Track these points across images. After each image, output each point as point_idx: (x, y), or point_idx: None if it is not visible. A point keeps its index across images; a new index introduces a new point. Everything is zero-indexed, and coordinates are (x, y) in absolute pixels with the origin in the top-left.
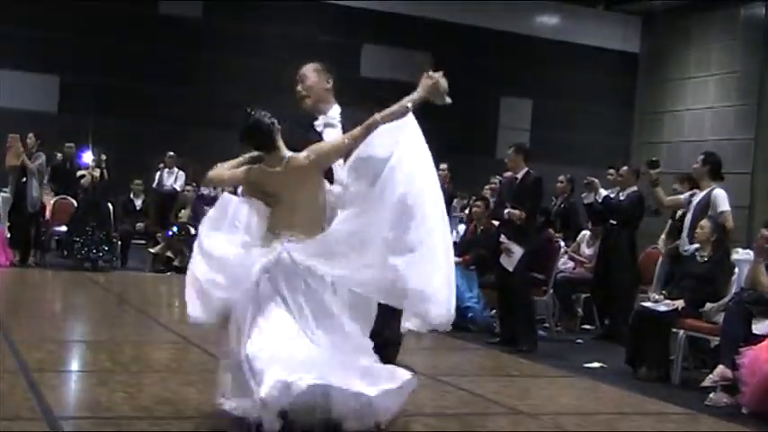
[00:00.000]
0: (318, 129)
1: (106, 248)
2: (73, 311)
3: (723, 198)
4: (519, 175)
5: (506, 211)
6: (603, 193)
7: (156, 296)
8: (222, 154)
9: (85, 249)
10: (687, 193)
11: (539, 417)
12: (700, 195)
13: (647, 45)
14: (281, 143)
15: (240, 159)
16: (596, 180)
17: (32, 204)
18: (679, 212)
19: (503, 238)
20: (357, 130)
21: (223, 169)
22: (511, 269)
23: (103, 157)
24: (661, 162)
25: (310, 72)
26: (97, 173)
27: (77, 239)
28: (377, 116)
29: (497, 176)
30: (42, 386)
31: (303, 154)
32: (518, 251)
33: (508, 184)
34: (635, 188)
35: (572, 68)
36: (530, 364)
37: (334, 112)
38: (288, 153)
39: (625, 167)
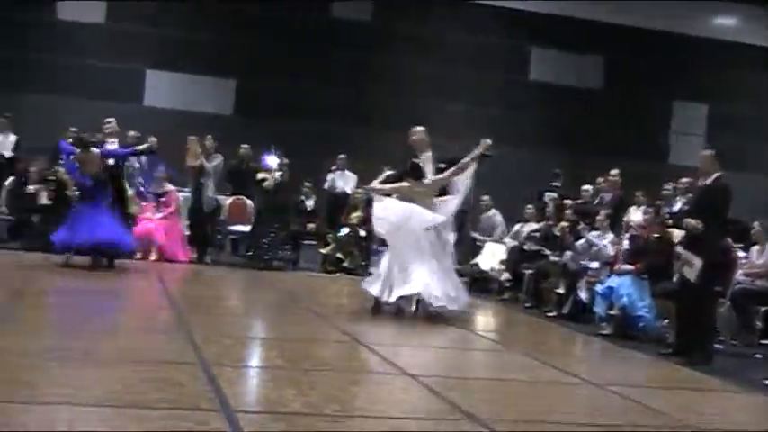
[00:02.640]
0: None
1: (289, 249)
2: (246, 308)
3: None
4: (708, 182)
5: (685, 220)
6: None
7: (326, 296)
8: (386, 155)
9: (273, 250)
10: None
11: None
12: None
13: None
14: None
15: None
16: None
17: (207, 204)
18: None
19: (681, 248)
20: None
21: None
22: (693, 279)
23: (285, 160)
24: None
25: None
26: (278, 175)
27: (264, 241)
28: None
29: (670, 183)
30: (220, 379)
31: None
32: (698, 262)
33: (698, 190)
34: None
35: (750, 71)
36: (704, 378)
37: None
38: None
39: None
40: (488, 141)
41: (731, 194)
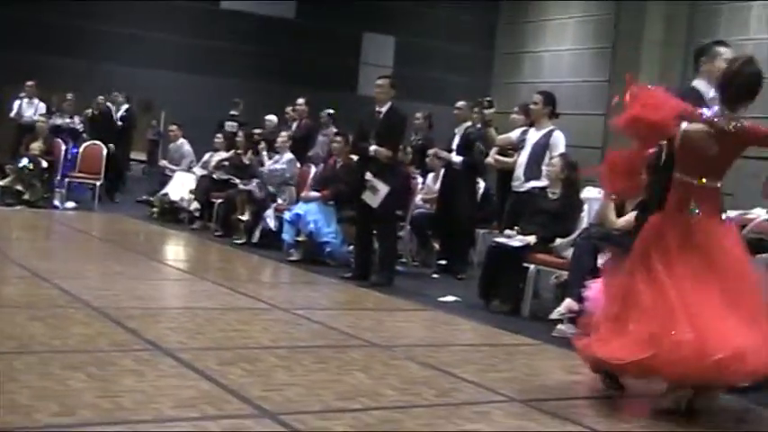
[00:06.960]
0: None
1: None
2: None
3: (562, 141)
4: (383, 109)
5: (373, 148)
6: None
7: (6, 230)
8: (75, 83)
9: None
10: (518, 131)
11: (392, 348)
12: (538, 135)
13: None
14: None
15: None
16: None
17: None
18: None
19: (368, 175)
20: None
21: None
22: (375, 206)
23: None
24: (495, 102)
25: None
26: None
27: None
28: None
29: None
30: None
31: None
32: (383, 188)
33: (369, 117)
34: (469, 123)
35: (435, 6)
36: (385, 298)
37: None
38: None
39: (462, 102)
40: None
41: (406, 123)
